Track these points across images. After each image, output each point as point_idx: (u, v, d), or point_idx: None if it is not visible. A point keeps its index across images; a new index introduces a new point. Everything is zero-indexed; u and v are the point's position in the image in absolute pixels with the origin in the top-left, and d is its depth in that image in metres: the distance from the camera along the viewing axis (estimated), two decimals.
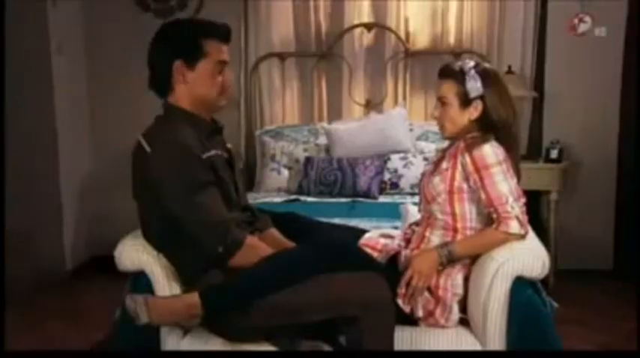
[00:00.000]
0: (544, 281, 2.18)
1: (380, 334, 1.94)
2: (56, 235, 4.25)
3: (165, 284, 2.11)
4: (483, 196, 2.07)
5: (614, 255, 4.21)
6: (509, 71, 4.04)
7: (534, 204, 3.94)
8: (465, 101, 2.14)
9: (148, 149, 2.01)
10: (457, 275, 2.13)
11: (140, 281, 2.12)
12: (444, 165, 2.16)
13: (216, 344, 2.06)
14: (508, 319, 2.03)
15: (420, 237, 2.21)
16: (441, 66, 2.24)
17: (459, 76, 2.14)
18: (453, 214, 2.13)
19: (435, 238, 2.15)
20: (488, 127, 2.13)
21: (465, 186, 2.11)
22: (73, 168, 4.37)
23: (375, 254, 2.24)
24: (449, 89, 2.17)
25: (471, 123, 2.15)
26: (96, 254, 4.42)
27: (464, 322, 2.15)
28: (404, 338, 2.06)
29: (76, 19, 4.43)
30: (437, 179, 2.15)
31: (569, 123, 4.17)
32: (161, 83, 2.11)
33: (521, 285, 2.04)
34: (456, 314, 2.12)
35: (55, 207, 4.24)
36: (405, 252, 2.19)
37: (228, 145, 2.28)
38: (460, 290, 2.13)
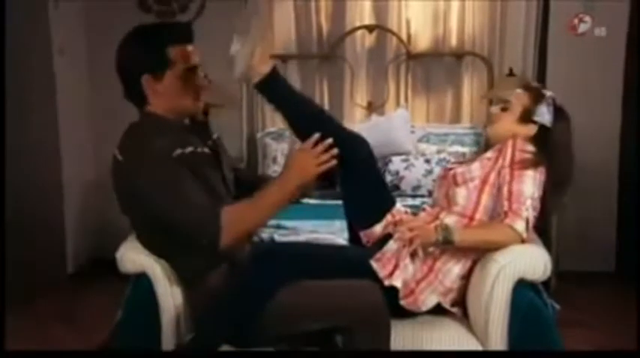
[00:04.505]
0: (545, 283, 2.18)
1: (376, 345, 1.93)
2: (58, 237, 4.25)
3: (166, 286, 2.11)
4: (505, 190, 2.06)
5: (616, 257, 4.21)
6: (511, 73, 4.04)
7: None
8: (525, 118, 2.20)
9: (120, 158, 2.00)
10: (453, 267, 2.12)
11: (142, 284, 2.12)
12: (489, 154, 2.19)
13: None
14: (509, 321, 2.03)
15: (431, 216, 2.19)
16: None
17: (536, 93, 2.23)
18: (477, 203, 2.13)
19: (448, 221, 2.13)
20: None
21: (496, 182, 2.12)
22: (76, 170, 4.38)
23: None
24: (519, 97, 2.24)
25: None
26: (97, 256, 4.43)
27: (465, 323, 2.16)
28: (405, 337, 2.06)
29: (78, 20, 4.44)
30: (476, 164, 2.17)
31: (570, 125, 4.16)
32: (135, 97, 2.09)
33: (522, 287, 2.05)
34: (431, 301, 2.10)
35: (57, 209, 4.24)
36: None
37: (215, 136, 2.24)
38: (449, 284, 2.12)
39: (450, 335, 2.11)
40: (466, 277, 2.16)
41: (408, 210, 2.35)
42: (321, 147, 1.94)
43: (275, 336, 1.99)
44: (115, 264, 2.17)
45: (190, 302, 2.12)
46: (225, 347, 2.04)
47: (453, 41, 4.31)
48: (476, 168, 2.16)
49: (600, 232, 4.20)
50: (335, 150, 1.95)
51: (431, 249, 2.09)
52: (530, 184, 2.07)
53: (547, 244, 2.37)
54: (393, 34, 4.29)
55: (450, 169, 2.29)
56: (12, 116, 3.86)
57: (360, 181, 2.21)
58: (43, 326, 3.53)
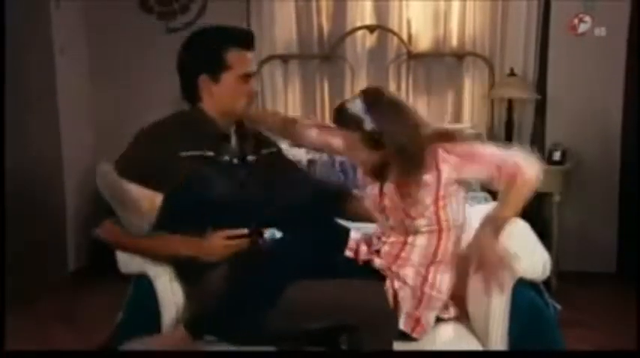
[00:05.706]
0: (547, 283, 2.17)
1: (380, 343, 1.94)
2: (58, 237, 4.25)
3: (167, 286, 2.11)
4: (484, 168, 2.03)
5: (617, 257, 4.20)
6: (512, 73, 4.04)
7: (537, 205, 3.93)
8: (371, 145, 2.06)
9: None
10: (437, 276, 2.07)
11: (142, 284, 2.12)
12: (428, 178, 2.02)
13: (220, 345, 2.06)
14: (510, 321, 2.02)
15: (399, 245, 2.08)
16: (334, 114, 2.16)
17: (357, 122, 2.07)
18: (439, 221, 2.05)
19: (420, 242, 2.06)
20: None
21: (449, 188, 2.04)
22: (77, 169, 4.38)
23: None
24: (349, 140, 2.11)
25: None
26: (98, 256, 4.42)
27: (465, 323, 2.15)
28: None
29: (80, 20, 4.44)
30: (421, 192, 2.02)
31: (572, 125, 4.16)
32: (190, 95, 2.13)
33: (523, 287, 2.04)
34: (432, 319, 2.08)
35: (58, 209, 4.24)
36: (378, 261, 2.09)
37: (263, 152, 2.26)
38: (443, 296, 2.08)
39: (450, 334, 2.10)
40: (456, 284, 2.13)
41: (363, 232, 2.23)
42: (234, 239, 2.00)
43: (277, 334, 1.99)
44: (115, 264, 2.17)
45: (191, 301, 2.11)
46: (224, 347, 2.05)
47: (454, 41, 4.31)
48: (424, 198, 2.02)
49: (601, 232, 4.20)
50: (244, 232, 2.01)
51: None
52: (480, 146, 2.09)
53: (548, 244, 2.37)
54: (394, 34, 4.28)
55: (382, 193, 2.13)
56: (12, 116, 3.86)
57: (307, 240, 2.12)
58: (43, 326, 3.53)
